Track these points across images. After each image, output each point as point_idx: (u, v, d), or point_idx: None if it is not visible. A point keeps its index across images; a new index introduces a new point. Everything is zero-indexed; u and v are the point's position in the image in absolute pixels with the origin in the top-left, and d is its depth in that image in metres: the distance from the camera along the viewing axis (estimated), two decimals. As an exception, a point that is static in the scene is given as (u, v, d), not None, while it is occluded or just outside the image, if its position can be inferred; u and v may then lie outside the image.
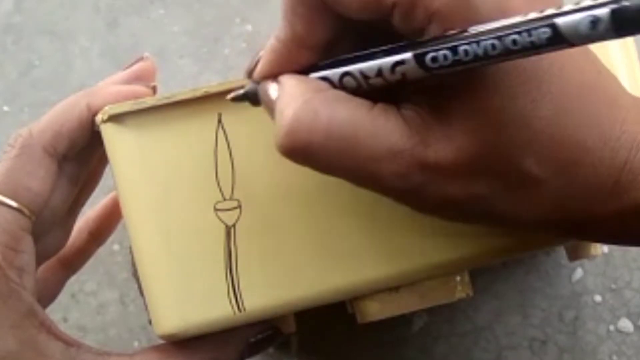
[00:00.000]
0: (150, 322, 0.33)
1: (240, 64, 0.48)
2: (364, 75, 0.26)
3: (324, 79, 0.27)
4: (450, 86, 0.25)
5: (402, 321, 0.46)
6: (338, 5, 0.26)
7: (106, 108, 0.32)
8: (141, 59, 0.37)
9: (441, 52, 0.24)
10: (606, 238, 0.29)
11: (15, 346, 0.32)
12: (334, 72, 0.27)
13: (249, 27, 0.48)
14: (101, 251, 0.42)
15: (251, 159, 0.32)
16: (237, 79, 0.33)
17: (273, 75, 0.28)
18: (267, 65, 0.28)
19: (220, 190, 0.32)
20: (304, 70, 0.27)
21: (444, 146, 0.26)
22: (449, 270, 0.33)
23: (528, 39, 0.22)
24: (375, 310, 0.35)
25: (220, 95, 0.32)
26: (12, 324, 0.32)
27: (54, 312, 0.43)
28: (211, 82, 0.47)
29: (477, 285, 0.46)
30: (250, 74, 0.29)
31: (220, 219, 0.32)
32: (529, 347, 0.45)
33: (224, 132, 0.32)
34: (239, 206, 0.32)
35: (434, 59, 0.24)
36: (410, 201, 0.28)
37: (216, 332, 0.33)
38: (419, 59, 0.24)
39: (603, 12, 0.21)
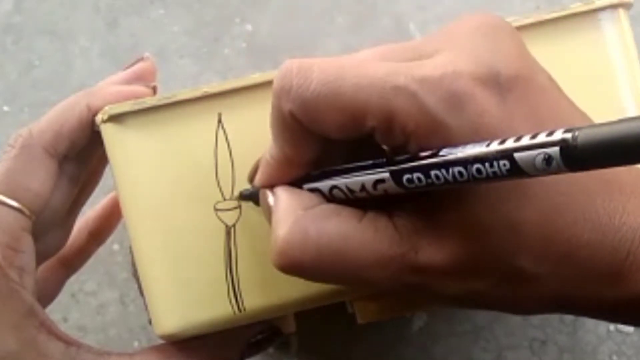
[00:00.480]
0: (150, 322, 0.33)
1: (240, 64, 0.48)
2: (349, 189, 0.27)
3: (316, 190, 0.28)
4: (438, 195, 0.26)
5: (402, 321, 0.46)
6: (318, 130, 0.27)
7: (106, 108, 0.32)
8: (141, 59, 0.37)
9: (415, 175, 0.25)
10: (620, 320, 0.29)
11: (15, 346, 0.32)
12: (324, 185, 0.28)
13: (249, 27, 0.48)
14: (101, 251, 0.42)
15: (251, 158, 0.32)
16: (237, 78, 0.33)
17: (269, 185, 0.29)
18: (264, 177, 0.30)
19: (221, 190, 0.32)
20: (299, 180, 0.29)
21: (435, 251, 0.26)
22: None
23: (490, 170, 0.23)
24: (375, 310, 0.35)
25: (220, 95, 0.32)
26: (12, 324, 0.32)
27: (54, 312, 0.43)
28: (211, 82, 0.47)
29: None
30: (251, 179, 0.31)
31: (221, 219, 0.32)
32: (529, 347, 0.45)
33: (224, 131, 0.32)
34: (239, 206, 0.32)
35: (409, 180, 0.25)
36: (411, 296, 0.29)
37: (216, 332, 0.33)
38: (395, 178, 0.26)
39: (554, 150, 0.21)
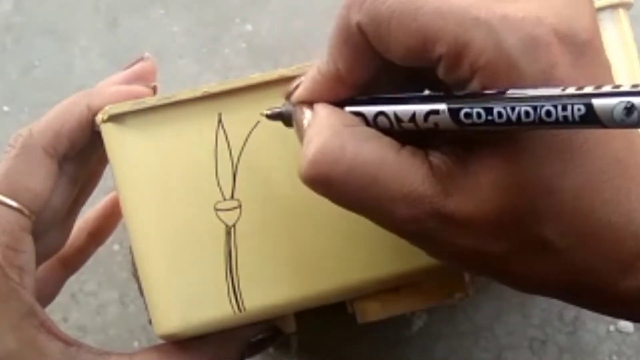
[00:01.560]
0: (150, 322, 0.33)
1: (240, 64, 0.48)
2: (397, 118, 0.26)
3: (359, 114, 0.27)
4: (482, 141, 0.25)
5: (402, 321, 0.46)
6: (385, 51, 0.26)
7: (106, 108, 0.32)
8: (141, 59, 0.37)
9: (475, 110, 0.24)
10: (621, 315, 0.29)
11: (15, 346, 0.32)
12: (369, 110, 0.27)
13: (249, 27, 0.48)
14: (101, 251, 0.42)
15: (251, 159, 0.32)
16: (237, 78, 0.33)
17: (309, 102, 0.28)
18: (306, 92, 0.28)
19: (221, 190, 0.32)
20: (341, 103, 0.28)
21: (465, 199, 0.25)
22: (448, 270, 0.33)
23: (562, 113, 0.22)
24: (375, 310, 0.35)
25: (220, 95, 0.32)
26: (12, 324, 0.32)
27: (54, 312, 0.43)
28: (211, 82, 0.47)
29: (477, 285, 0.46)
30: (288, 96, 0.30)
31: (221, 219, 0.32)
32: (529, 347, 0.45)
33: (224, 132, 0.32)
34: (239, 206, 0.32)
35: (467, 115, 0.24)
36: (422, 245, 0.28)
37: (216, 332, 0.33)
38: (452, 112, 0.25)
39: (638, 100, 0.21)
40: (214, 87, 0.32)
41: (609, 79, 0.26)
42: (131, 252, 0.33)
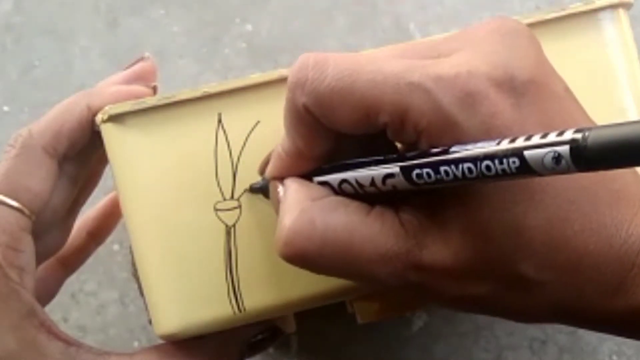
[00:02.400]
0: (150, 322, 0.33)
1: (240, 64, 0.48)
2: (359, 183, 0.27)
3: (325, 183, 0.29)
4: (445, 194, 0.26)
5: (402, 321, 0.46)
6: (332, 124, 0.27)
7: (106, 108, 0.32)
8: (141, 59, 0.37)
9: (425, 170, 0.25)
10: (618, 333, 0.28)
11: (15, 346, 0.32)
12: (334, 178, 0.28)
13: (249, 27, 0.48)
14: (101, 251, 0.42)
15: (252, 159, 0.32)
16: (237, 78, 0.33)
17: (280, 178, 0.30)
18: (274, 170, 0.30)
19: (221, 190, 0.32)
20: (309, 173, 0.29)
21: (440, 249, 0.26)
22: None
23: (500, 167, 0.23)
24: (375, 311, 0.35)
25: (220, 95, 0.32)
26: (12, 324, 0.32)
27: (54, 312, 0.43)
28: (211, 82, 0.47)
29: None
30: (262, 172, 0.31)
31: (221, 219, 0.32)
32: (529, 347, 0.45)
33: (224, 132, 0.32)
34: (239, 206, 0.32)
35: (418, 176, 0.25)
36: (412, 295, 0.29)
37: (216, 332, 0.33)
38: (405, 174, 0.26)
39: (564, 149, 0.21)
40: (214, 87, 0.32)
41: (563, 109, 0.26)
42: (131, 252, 0.33)
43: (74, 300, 0.46)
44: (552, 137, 0.22)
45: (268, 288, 0.32)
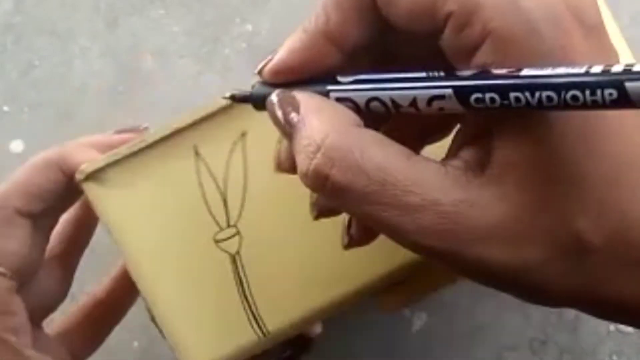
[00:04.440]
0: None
1: (240, 64, 0.48)
2: (395, 103, 0.23)
3: (347, 100, 0.24)
4: (500, 135, 0.23)
5: (402, 321, 0.46)
6: (390, 8, 0.23)
7: (82, 167, 0.32)
8: (137, 129, 0.36)
9: (488, 95, 0.21)
10: (629, 323, 0.26)
11: None
12: (360, 95, 0.24)
13: (249, 27, 0.48)
14: (101, 251, 0.42)
15: (237, 184, 0.32)
16: (205, 106, 0.32)
17: (288, 71, 0.25)
18: (286, 56, 0.25)
19: (216, 221, 0.32)
20: (323, 81, 0.25)
21: (491, 206, 0.23)
22: None
23: (590, 98, 0.20)
24: (392, 301, 0.34)
25: (190, 128, 0.31)
26: None
27: (54, 312, 0.43)
28: (211, 82, 0.47)
29: (477, 285, 0.46)
30: (260, 72, 0.26)
31: (223, 249, 0.32)
32: (529, 347, 0.45)
33: (204, 162, 0.32)
34: (238, 232, 0.32)
35: (478, 100, 0.22)
36: (446, 261, 0.24)
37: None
38: (461, 97, 0.22)
39: None
40: (183, 120, 0.32)
41: (618, 56, 0.24)
42: (144, 299, 0.33)
43: (74, 301, 0.45)
44: None
45: (286, 306, 0.32)
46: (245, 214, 0.32)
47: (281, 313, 0.32)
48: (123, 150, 0.31)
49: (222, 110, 0.32)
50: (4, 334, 0.32)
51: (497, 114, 0.23)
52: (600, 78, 0.20)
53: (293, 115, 0.24)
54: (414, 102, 0.23)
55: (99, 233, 0.42)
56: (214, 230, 0.32)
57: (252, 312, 0.32)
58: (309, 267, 0.32)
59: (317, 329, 0.36)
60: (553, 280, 0.23)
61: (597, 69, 0.20)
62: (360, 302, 0.34)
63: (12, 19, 0.49)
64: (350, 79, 0.24)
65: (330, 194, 0.24)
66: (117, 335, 0.45)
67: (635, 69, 0.20)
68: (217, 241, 0.32)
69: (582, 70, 0.20)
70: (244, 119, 0.32)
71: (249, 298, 0.32)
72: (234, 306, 0.32)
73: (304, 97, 0.24)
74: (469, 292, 0.46)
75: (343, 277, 0.32)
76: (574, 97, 0.20)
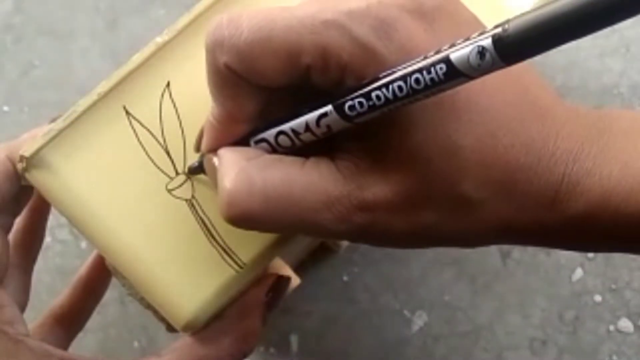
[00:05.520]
0: (168, 329, 0.33)
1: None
2: (295, 132, 0.28)
3: (263, 140, 0.29)
4: (377, 130, 0.27)
5: (402, 321, 0.46)
6: (256, 78, 0.27)
7: (21, 152, 0.31)
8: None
9: (357, 100, 0.25)
10: (559, 245, 0.30)
11: None
12: (269, 133, 0.28)
13: (249, 27, 0.48)
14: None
15: (175, 132, 0.32)
16: (120, 66, 0.32)
17: (216, 148, 0.29)
18: (209, 142, 0.29)
19: (164, 172, 0.32)
20: (246, 138, 0.29)
21: (381, 186, 0.27)
22: None
23: (428, 77, 0.24)
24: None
25: (114, 90, 0.32)
26: None
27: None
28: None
29: (477, 285, 0.46)
30: (197, 148, 0.31)
31: (178, 197, 0.32)
32: (529, 347, 0.45)
33: (137, 120, 0.32)
34: (188, 178, 0.32)
35: (351, 108, 0.26)
36: (362, 240, 0.28)
37: (233, 312, 0.33)
38: (338, 109, 0.26)
39: (487, 42, 0.22)
40: (106, 84, 0.32)
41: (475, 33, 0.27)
42: (118, 277, 0.33)
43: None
44: (474, 37, 0.23)
45: (254, 234, 0.32)
46: (189, 158, 0.32)
47: (251, 242, 0.32)
48: (56, 126, 0.31)
49: (142, 66, 0.32)
50: (1, 326, 0.32)
51: (378, 120, 0.26)
52: (433, 58, 0.24)
53: (213, 165, 0.29)
54: (307, 127, 0.27)
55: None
56: (164, 181, 0.32)
57: (222, 248, 0.32)
58: None
59: (296, 281, 0.36)
60: (453, 231, 0.28)
61: (431, 54, 0.24)
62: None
63: (12, 19, 0.49)
64: (265, 124, 0.29)
65: (251, 225, 0.28)
66: (117, 335, 0.46)
67: (457, 43, 0.23)
68: (170, 191, 0.32)
69: (420, 58, 0.24)
70: (165, 69, 0.32)
71: (217, 237, 0.32)
72: (205, 248, 0.32)
73: (222, 150, 0.29)
74: (469, 292, 0.46)
75: None
76: (417, 80, 0.24)
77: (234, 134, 0.29)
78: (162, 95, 0.32)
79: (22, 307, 0.36)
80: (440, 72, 0.23)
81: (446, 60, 0.23)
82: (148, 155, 0.32)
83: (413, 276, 0.46)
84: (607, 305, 0.46)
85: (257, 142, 0.29)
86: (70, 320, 0.38)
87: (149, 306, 0.33)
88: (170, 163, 0.32)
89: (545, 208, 0.27)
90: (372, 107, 0.25)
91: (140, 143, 0.32)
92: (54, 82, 0.49)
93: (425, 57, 0.24)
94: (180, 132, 0.32)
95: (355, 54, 0.25)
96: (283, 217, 0.27)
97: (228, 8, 0.33)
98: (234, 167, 0.28)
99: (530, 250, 0.47)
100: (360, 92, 0.25)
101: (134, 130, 0.32)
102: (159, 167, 0.32)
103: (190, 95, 0.32)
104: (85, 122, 0.32)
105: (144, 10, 0.49)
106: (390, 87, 0.25)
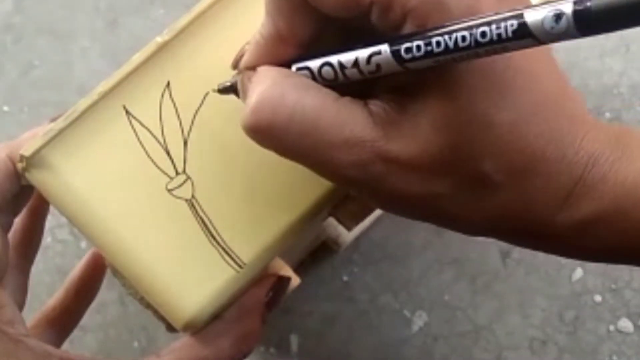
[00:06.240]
0: (167, 328, 0.33)
1: (240, 64, 0.48)
2: (341, 65, 0.27)
3: (305, 68, 0.28)
4: (419, 85, 0.26)
5: (402, 321, 0.46)
6: (319, 3, 0.27)
7: (21, 152, 0.31)
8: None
9: (415, 43, 0.25)
10: (560, 251, 0.29)
11: None
12: (315, 62, 0.28)
13: (249, 27, 0.48)
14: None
15: (175, 132, 0.32)
16: (122, 65, 0.32)
17: (256, 66, 0.29)
18: (251, 58, 0.29)
19: (164, 172, 0.32)
20: (288, 63, 0.28)
21: (407, 142, 0.26)
22: None
23: (496, 31, 0.23)
24: (350, 215, 0.35)
25: (115, 90, 0.32)
26: None
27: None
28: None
29: (477, 285, 0.46)
30: (235, 66, 0.30)
31: (178, 197, 0.32)
32: (529, 347, 0.45)
33: (137, 120, 0.32)
34: (188, 178, 0.32)
35: (407, 50, 0.25)
36: (367, 192, 0.28)
37: (232, 312, 0.33)
38: (394, 49, 0.26)
39: (566, 7, 0.22)
40: (107, 83, 0.32)
41: None
42: (118, 277, 0.33)
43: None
44: (552, 1, 0.23)
45: (254, 233, 0.32)
46: (190, 158, 0.32)
47: (251, 241, 0.32)
48: (56, 126, 0.31)
49: (142, 66, 0.32)
50: (2, 326, 0.32)
51: (423, 74, 0.26)
52: (506, 14, 0.23)
53: (249, 75, 0.28)
54: (356, 62, 0.27)
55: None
56: (164, 181, 0.32)
57: (222, 248, 0.32)
58: (261, 193, 0.32)
59: (296, 281, 0.36)
60: (460, 210, 0.27)
61: (504, 11, 0.24)
62: (323, 215, 0.35)
63: (12, 19, 0.49)
64: (310, 54, 0.28)
65: (267, 139, 0.27)
66: (117, 335, 0.46)
67: (534, 5, 0.23)
68: (170, 190, 0.32)
69: (491, 13, 0.24)
70: (164, 69, 0.32)
71: (217, 237, 0.32)
72: (205, 248, 0.32)
73: (261, 67, 0.28)
74: (469, 292, 0.46)
75: (297, 193, 0.32)
76: (483, 34, 0.24)
77: (278, 55, 0.28)
78: (162, 95, 0.32)
79: (20, 307, 0.36)
80: (510, 29, 0.23)
81: (519, 17, 0.23)
82: (148, 155, 0.32)
83: (413, 276, 0.46)
84: (607, 305, 0.46)
85: (299, 69, 0.28)
86: (63, 321, 0.38)
87: (149, 306, 0.33)
88: (170, 163, 0.32)
89: (556, 208, 0.27)
90: (429, 54, 0.25)
91: (140, 143, 0.32)
92: (54, 82, 0.49)
93: (497, 13, 0.24)
94: (180, 131, 0.32)
95: (422, 4, 0.25)
96: (301, 142, 0.27)
97: (228, 8, 0.33)
98: (270, 78, 0.27)
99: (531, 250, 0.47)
100: (422, 35, 0.25)
101: (134, 130, 0.32)
102: (159, 167, 0.32)
103: (191, 95, 0.32)
104: (86, 121, 0.32)
105: (144, 10, 0.49)
106: (454, 35, 0.24)
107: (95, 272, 0.39)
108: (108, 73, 0.32)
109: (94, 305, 0.45)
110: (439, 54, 0.25)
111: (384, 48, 0.26)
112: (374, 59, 0.26)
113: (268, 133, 0.27)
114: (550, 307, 0.46)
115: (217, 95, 0.30)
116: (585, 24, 0.22)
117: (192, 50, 0.32)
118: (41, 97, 0.49)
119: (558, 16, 0.22)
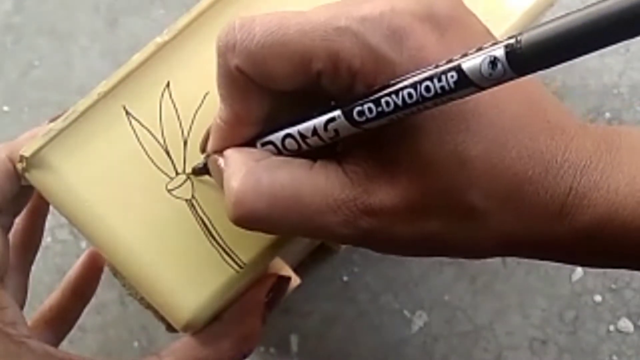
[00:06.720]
0: (167, 328, 0.33)
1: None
2: (302, 135, 0.28)
3: (269, 143, 0.29)
4: (386, 137, 0.27)
5: (402, 321, 0.46)
6: (267, 82, 0.27)
7: (21, 152, 0.31)
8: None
9: (366, 106, 0.26)
10: (564, 259, 0.29)
11: None
12: (277, 136, 0.28)
13: (249, 27, 0.49)
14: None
15: (174, 132, 0.32)
16: (121, 66, 0.32)
17: (222, 150, 0.29)
18: (216, 142, 0.30)
19: (164, 172, 0.32)
20: (251, 140, 0.29)
21: (387, 192, 0.27)
22: None
23: (438, 85, 0.24)
24: None
25: (115, 90, 0.32)
26: None
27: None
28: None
29: (477, 285, 0.46)
30: (203, 149, 0.31)
31: (178, 197, 0.32)
32: (529, 347, 0.45)
33: (137, 120, 0.32)
34: (188, 177, 0.32)
35: (360, 113, 0.26)
36: (367, 245, 0.29)
37: (232, 312, 0.33)
38: (347, 114, 0.26)
39: (499, 52, 0.22)
40: (106, 83, 0.32)
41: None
42: (118, 277, 0.33)
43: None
44: (486, 47, 0.23)
45: (254, 233, 0.32)
46: (189, 158, 0.32)
47: (251, 242, 0.32)
48: (56, 126, 0.31)
49: (142, 66, 0.32)
50: (4, 327, 0.32)
51: (386, 127, 0.26)
52: (444, 67, 0.24)
53: (219, 166, 0.29)
54: (315, 131, 0.27)
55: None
56: (164, 181, 0.32)
57: (222, 248, 0.32)
58: None
59: (296, 281, 0.36)
60: (459, 243, 0.28)
61: (442, 63, 0.24)
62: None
63: (12, 19, 0.49)
64: (272, 128, 0.29)
65: (257, 225, 0.28)
66: (117, 335, 0.46)
67: (469, 53, 0.23)
68: (170, 191, 0.32)
69: (432, 67, 0.24)
70: (164, 70, 0.32)
71: (217, 237, 0.32)
72: (205, 248, 0.32)
73: (228, 151, 0.29)
74: (469, 292, 0.46)
75: None
76: (427, 88, 0.24)
77: (241, 136, 0.29)
78: (162, 95, 0.32)
79: (20, 308, 0.36)
80: (451, 81, 0.24)
81: (458, 69, 0.23)
82: (148, 155, 0.32)
83: (413, 276, 0.46)
84: (607, 305, 0.46)
85: (263, 145, 0.29)
86: (60, 321, 0.38)
87: (149, 306, 0.33)
88: (170, 163, 0.32)
89: (552, 221, 0.27)
90: (381, 114, 0.25)
91: (140, 143, 0.32)
92: (54, 82, 0.49)
93: (437, 66, 0.24)
94: (180, 132, 0.32)
95: (366, 61, 0.26)
96: (289, 218, 0.27)
97: (228, 8, 0.33)
98: (242, 167, 0.28)
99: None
100: (370, 97, 0.25)
101: (134, 130, 0.32)
102: (158, 167, 0.32)
103: (190, 96, 0.32)
104: (85, 122, 0.32)
105: (144, 10, 0.49)
106: (401, 93, 0.25)
107: (92, 272, 0.39)
108: (108, 73, 0.32)
109: (93, 305, 0.45)
110: (390, 112, 0.25)
111: (337, 114, 0.26)
112: (331, 125, 0.27)
113: (255, 221, 0.28)
114: (550, 307, 0.46)
115: (217, 95, 0.31)
116: (521, 65, 0.22)
117: (192, 50, 0.32)
118: (41, 97, 0.49)
119: (493, 62, 0.22)
